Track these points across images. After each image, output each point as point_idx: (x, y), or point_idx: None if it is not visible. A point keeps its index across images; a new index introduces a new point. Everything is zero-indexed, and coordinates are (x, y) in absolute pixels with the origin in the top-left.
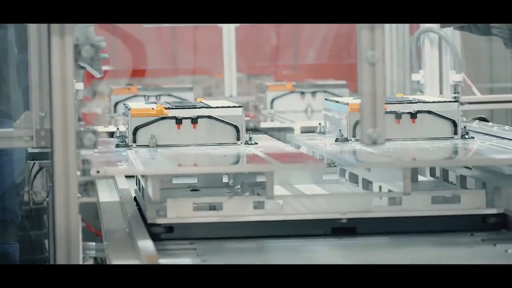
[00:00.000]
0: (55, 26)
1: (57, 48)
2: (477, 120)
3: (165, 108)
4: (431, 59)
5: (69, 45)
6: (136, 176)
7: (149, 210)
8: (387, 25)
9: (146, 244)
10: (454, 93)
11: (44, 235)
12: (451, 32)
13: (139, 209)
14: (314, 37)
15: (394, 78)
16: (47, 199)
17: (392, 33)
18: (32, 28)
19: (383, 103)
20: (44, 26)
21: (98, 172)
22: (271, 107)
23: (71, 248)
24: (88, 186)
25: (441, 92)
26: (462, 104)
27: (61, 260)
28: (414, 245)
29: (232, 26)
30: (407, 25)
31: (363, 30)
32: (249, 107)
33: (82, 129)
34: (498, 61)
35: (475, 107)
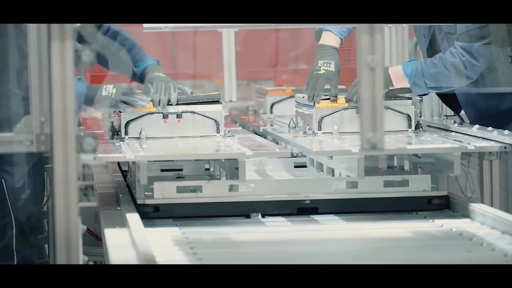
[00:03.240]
0: (55, 31)
1: (57, 52)
2: (477, 125)
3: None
4: None
5: (69, 50)
6: (128, 166)
7: (138, 192)
8: (386, 30)
9: (134, 218)
10: None
11: (44, 239)
12: None
13: (131, 194)
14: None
15: None
16: (47, 204)
17: (392, 38)
18: (32, 32)
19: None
20: (44, 30)
21: (94, 158)
22: (271, 112)
23: (71, 251)
24: (88, 191)
25: None
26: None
27: (61, 261)
28: (364, 220)
29: (232, 31)
30: (406, 30)
31: (362, 35)
32: (249, 111)
33: (82, 133)
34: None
35: None
